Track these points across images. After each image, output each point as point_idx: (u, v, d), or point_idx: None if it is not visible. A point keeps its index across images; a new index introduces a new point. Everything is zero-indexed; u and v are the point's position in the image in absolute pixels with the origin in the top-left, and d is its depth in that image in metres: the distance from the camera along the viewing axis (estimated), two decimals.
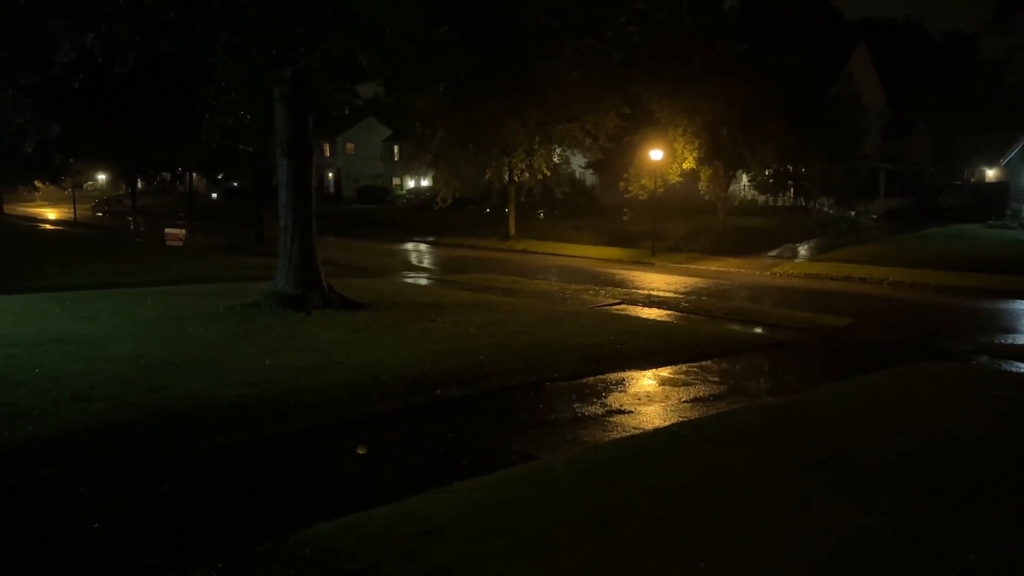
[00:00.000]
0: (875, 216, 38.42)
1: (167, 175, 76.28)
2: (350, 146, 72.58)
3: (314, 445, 7.61)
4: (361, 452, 7.39)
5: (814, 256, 28.26)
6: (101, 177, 75.60)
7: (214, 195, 77.21)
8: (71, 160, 50.05)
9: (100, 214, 64.75)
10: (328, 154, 72.75)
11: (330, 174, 74.23)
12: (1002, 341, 13.62)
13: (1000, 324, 15.55)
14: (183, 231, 32.12)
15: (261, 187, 35.27)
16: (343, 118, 16.30)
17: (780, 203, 40.76)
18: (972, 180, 49.84)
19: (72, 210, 57.25)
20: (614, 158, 35.39)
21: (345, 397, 8.66)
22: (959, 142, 55.25)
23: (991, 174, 47.39)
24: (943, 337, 14.10)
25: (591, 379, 10.17)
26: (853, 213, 37.66)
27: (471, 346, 11.19)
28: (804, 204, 38.01)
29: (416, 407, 8.72)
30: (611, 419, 8.45)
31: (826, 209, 39.09)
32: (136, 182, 64.92)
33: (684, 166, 31.44)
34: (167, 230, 31.78)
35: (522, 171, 34.44)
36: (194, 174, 70.34)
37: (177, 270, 21.76)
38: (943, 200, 42.54)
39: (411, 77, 13.20)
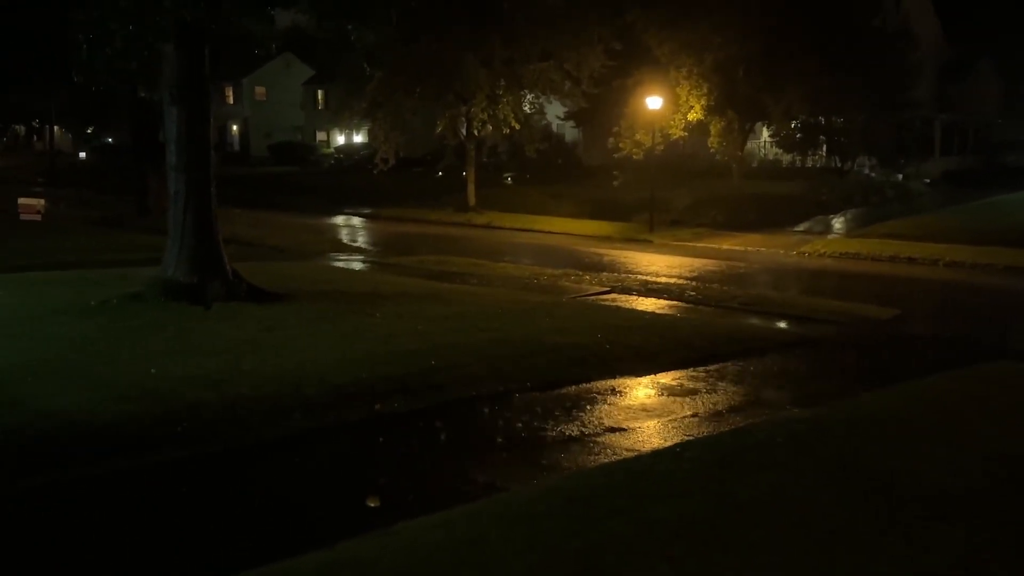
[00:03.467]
0: (928, 180, 39.08)
1: (19, 128, 74.72)
2: (260, 90, 71.81)
3: (216, 475, 7.53)
4: (278, 484, 7.33)
5: (852, 231, 28.66)
6: None
7: (83, 154, 75.85)
8: None
9: None
10: (232, 101, 71.90)
11: (234, 127, 73.39)
12: None
13: None
14: (42, 201, 31.48)
15: (144, 144, 34.68)
16: (251, 55, 16.09)
17: (809, 164, 41.24)
18: None
19: None
20: (601, 107, 35.45)
21: (256, 413, 8.57)
22: None
23: None
24: (1014, 332, 14.38)
25: (573, 388, 10.19)
26: (901, 176, 38.25)
27: (420, 346, 11.14)
28: (840, 165, 38.50)
29: (349, 426, 8.67)
30: (599, 439, 8.48)
31: (867, 171, 39.66)
32: None
33: (689, 117, 31.63)
34: (21, 200, 31.12)
35: (484, 123, 34.34)
36: (56, 127, 68.92)
37: (35, 252, 21.33)
38: (1014, 160, 43.34)
39: (360, 2, 12.97)
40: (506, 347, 11.40)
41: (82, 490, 7.09)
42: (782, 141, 37.94)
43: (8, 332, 11.58)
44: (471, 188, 36.15)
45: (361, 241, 28.87)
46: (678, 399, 9.93)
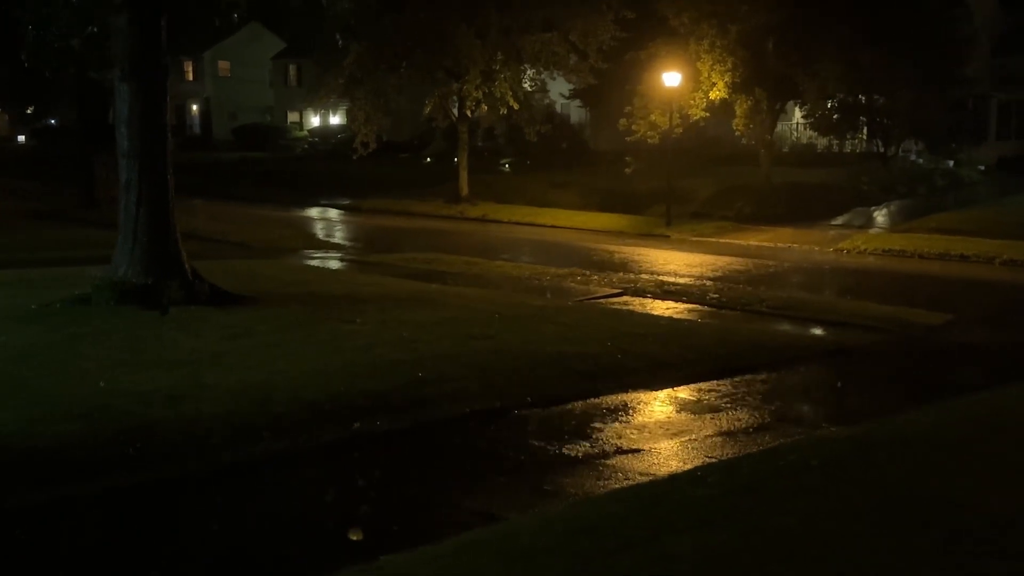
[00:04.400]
0: (983, 167, 39.10)
1: None
2: (224, 65, 71.84)
3: (173, 505, 7.51)
4: (244, 514, 7.31)
5: (896, 225, 28.69)
6: None
7: (21, 138, 75.91)
8: None
9: None
10: (191, 77, 71.93)
11: (194, 107, 73.40)
12: None
13: None
14: None
15: (92, 126, 34.69)
16: (213, 25, 16.11)
17: (848, 149, 41.25)
18: None
19: None
20: (611, 85, 35.44)
21: (219, 434, 8.55)
22: None
23: None
24: None
25: (579, 404, 10.18)
26: (952, 163, 38.27)
27: (405, 357, 11.13)
28: (882, 150, 38.48)
29: (325, 447, 8.65)
30: (608, 461, 8.46)
31: (913, 157, 39.69)
32: None
33: (712, 96, 31.62)
34: None
35: (478, 102, 34.38)
36: None
37: None
38: None
39: None
40: (503, 358, 11.38)
41: (19, 522, 7.05)
42: (817, 123, 37.86)
43: None
44: (463, 176, 36.13)
45: (338, 236, 28.84)
46: (699, 416, 9.92)
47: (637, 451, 8.76)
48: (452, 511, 7.30)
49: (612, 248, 25.45)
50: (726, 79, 31.22)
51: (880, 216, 30.28)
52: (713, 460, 8.49)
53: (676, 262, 22.75)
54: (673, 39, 31.75)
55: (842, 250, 25.22)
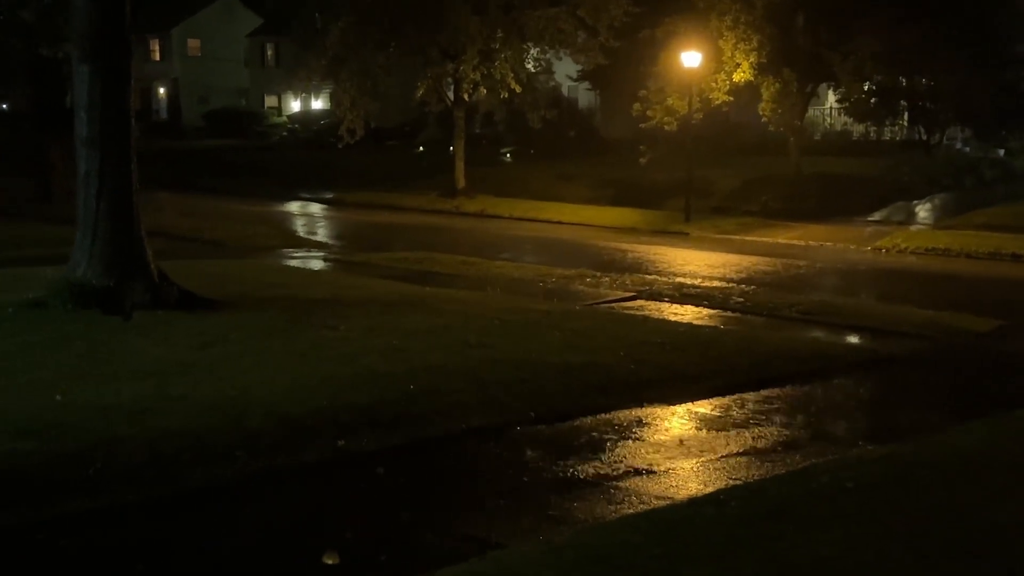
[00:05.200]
0: None
1: None
2: (194, 44, 71.98)
3: (136, 531, 7.49)
4: (215, 541, 7.30)
5: (941, 221, 28.68)
6: None
7: None
8: None
9: None
10: (158, 57, 72.05)
11: (161, 90, 73.54)
12: None
13: None
14: None
15: (47, 111, 34.68)
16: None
17: (887, 136, 41.29)
18: None
19: None
20: (624, 66, 35.45)
21: (188, 453, 8.54)
22: None
23: None
24: None
25: (589, 420, 10.18)
26: (1002, 152, 38.30)
27: (395, 368, 11.12)
28: (925, 138, 38.54)
29: (306, 468, 8.64)
30: (621, 483, 8.45)
31: (959, 145, 39.72)
32: None
33: (735, 78, 31.65)
34: None
35: (476, 85, 34.40)
36: None
37: None
38: None
39: None
40: (503, 369, 11.37)
41: None
42: (852, 108, 37.87)
43: None
44: (460, 167, 36.17)
45: (321, 234, 28.85)
46: (721, 433, 9.91)
47: (653, 472, 8.75)
48: (446, 538, 7.29)
49: (625, 246, 25.45)
50: (751, 59, 31.24)
51: (923, 211, 30.29)
52: (737, 482, 8.48)
53: (696, 262, 22.75)
54: (693, 15, 31.78)
55: (880, 249, 25.21)
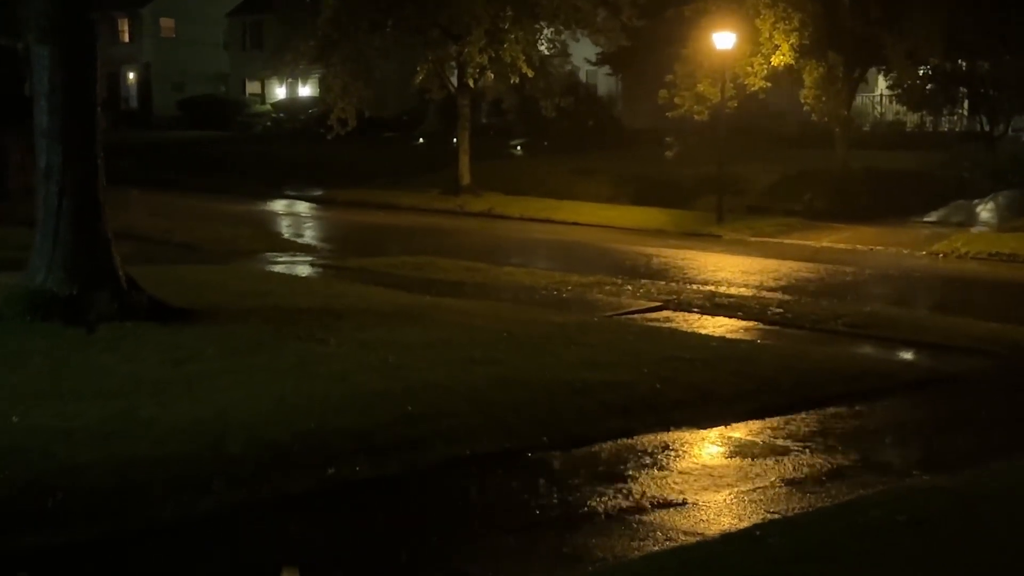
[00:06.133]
0: None
1: None
2: (167, 24, 72.16)
3: (99, 570, 7.50)
4: None
5: (1006, 222, 28.55)
6: None
7: None
8: None
9: None
10: (127, 39, 72.23)
11: (131, 75, 73.69)
12: None
13: None
14: None
15: (2, 100, 34.75)
16: None
17: (945, 127, 41.14)
18: None
19: None
20: (649, 48, 35.54)
21: (159, 482, 8.54)
22: None
23: None
24: None
25: (609, 445, 10.16)
26: None
27: (391, 387, 11.10)
28: (987, 129, 38.39)
29: (291, 499, 8.64)
30: (645, 517, 8.44)
31: None
32: None
33: (774, 61, 31.58)
34: None
35: (482, 69, 34.39)
36: None
37: None
38: None
39: None
40: (512, 388, 11.35)
41: None
42: (905, 95, 37.80)
43: None
44: (464, 161, 36.18)
45: (309, 236, 28.87)
46: (757, 461, 9.89)
47: (681, 504, 8.73)
48: None
49: (649, 251, 25.41)
50: (792, 40, 31.15)
51: (985, 211, 30.14)
52: (775, 516, 8.46)
53: (729, 268, 22.71)
54: None
55: (937, 253, 25.12)
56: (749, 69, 31.70)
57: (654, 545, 7.89)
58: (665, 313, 17.24)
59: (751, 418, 11.17)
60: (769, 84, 32.58)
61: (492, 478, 9.31)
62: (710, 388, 11.89)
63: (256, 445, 9.34)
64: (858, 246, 26.50)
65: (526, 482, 9.21)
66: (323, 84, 37.43)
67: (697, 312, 17.26)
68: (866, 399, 12.11)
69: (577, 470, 9.49)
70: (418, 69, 35.64)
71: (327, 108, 36.24)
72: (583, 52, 43.71)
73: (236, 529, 8.24)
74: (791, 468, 9.71)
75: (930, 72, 36.19)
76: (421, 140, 46.28)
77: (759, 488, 9.19)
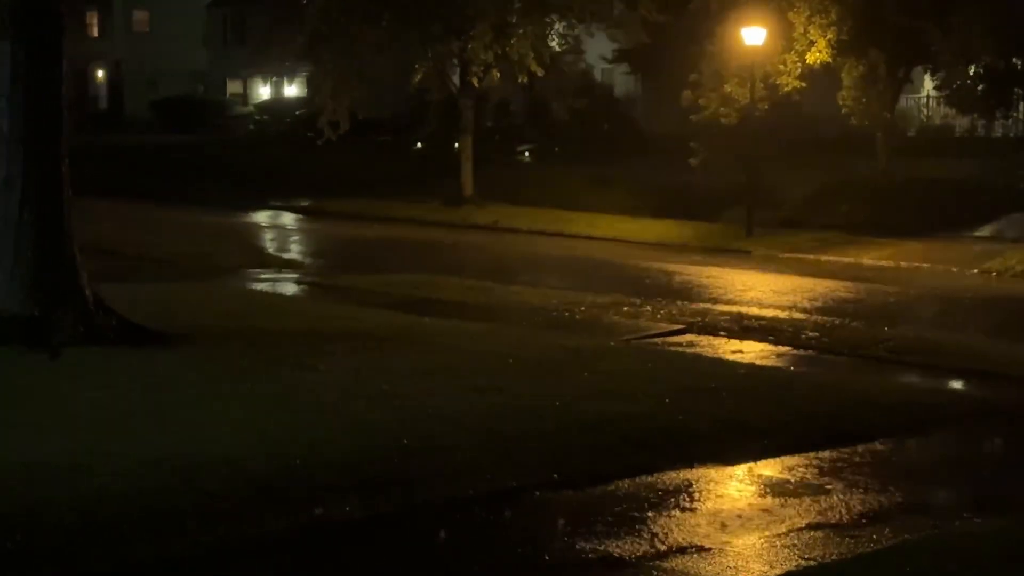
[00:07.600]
0: None
1: None
2: (141, 17, 72.49)
3: None
4: None
5: None
6: None
7: None
8: None
9: None
10: (97, 33, 72.52)
11: (100, 73, 73.93)
12: None
13: None
14: None
15: None
16: None
17: (999, 132, 41.11)
18: None
19: None
20: (671, 45, 35.51)
21: (130, 520, 8.55)
22: None
23: None
24: None
25: (626, 483, 10.15)
26: None
27: (386, 417, 11.13)
28: None
29: (275, 540, 8.64)
30: (666, 564, 8.42)
31: None
32: None
33: (809, 59, 31.62)
34: None
35: (488, 68, 34.44)
36: None
37: None
38: None
39: None
40: (520, 419, 11.36)
41: None
42: (955, 97, 37.78)
43: None
44: (467, 169, 36.25)
45: (296, 251, 28.91)
46: (791, 501, 9.86)
47: (705, 550, 8.70)
48: None
49: (672, 268, 25.41)
50: (829, 36, 31.20)
51: None
52: (811, 563, 8.43)
53: (760, 287, 22.70)
54: None
55: (990, 272, 25.09)
56: (781, 68, 31.70)
57: None
58: (688, 337, 17.23)
59: (783, 453, 11.14)
60: (803, 84, 32.54)
61: (497, 519, 9.31)
62: (738, 420, 11.87)
63: (235, 481, 9.33)
64: (902, 263, 26.47)
65: (534, 524, 9.21)
66: (312, 83, 37.53)
67: (724, 336, 17.26)
68: (911, 433, 12.10)
69: (591, 510, 9.48)
70: (417, 67, 35.68)
71: (316, 109, 36.28)
72: (598, 49, 43.75)
73: (212, 573, 8.23)
74: (827, 509, 9.67)
75: (982, 71, 36.17)
76: (420, 145, 46.26)
77: (792, 531, 9.16)
